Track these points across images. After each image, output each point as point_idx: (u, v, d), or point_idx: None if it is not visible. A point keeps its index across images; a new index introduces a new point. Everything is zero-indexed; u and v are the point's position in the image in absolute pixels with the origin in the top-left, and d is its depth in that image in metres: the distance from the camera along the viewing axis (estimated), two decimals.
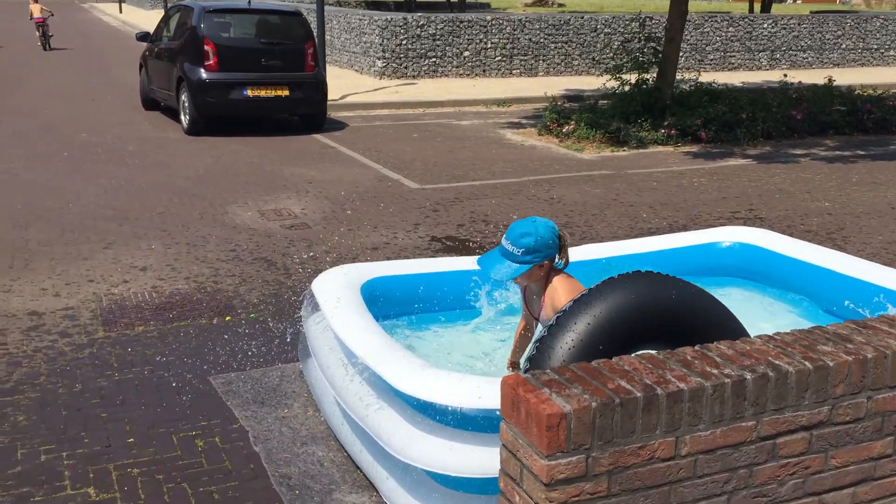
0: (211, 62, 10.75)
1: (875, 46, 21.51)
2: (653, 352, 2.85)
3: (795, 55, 20.63)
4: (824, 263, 4.21)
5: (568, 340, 2.61)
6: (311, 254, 6.26)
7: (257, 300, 5.32)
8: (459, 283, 4.21)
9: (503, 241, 3.24)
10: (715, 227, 7.02)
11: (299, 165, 9.34)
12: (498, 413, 2.97)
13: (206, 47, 10.72)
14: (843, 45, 21.10)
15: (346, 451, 3.55)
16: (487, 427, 2.97)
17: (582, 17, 18.07)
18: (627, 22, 18.31)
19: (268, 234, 6.74)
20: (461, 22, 16.96)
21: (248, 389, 4.10)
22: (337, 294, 3.88)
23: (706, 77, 13.13)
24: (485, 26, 17.08)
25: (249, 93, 10.87)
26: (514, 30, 17.31)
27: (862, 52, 21.41)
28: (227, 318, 5.02)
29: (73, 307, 5.15)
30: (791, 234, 6.40)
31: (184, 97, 10.95)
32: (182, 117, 11.13)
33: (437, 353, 3.92)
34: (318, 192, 8.12)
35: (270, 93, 10.98)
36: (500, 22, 17.26)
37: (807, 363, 2.39)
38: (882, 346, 2.50)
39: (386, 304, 4.15)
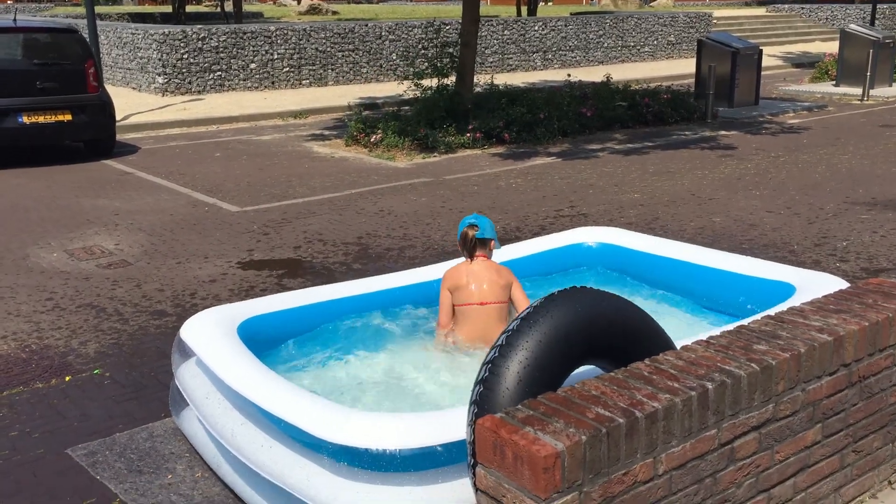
0: None
1: (632, 44, 23.28)
2: (600, 371, 2.85)
3: (565, 55, 21.87)
4: (685, 257, 4.43)
5: (521, 359, 2.53)
6: (143, 293, 5.73)
7: (95, 353, 4.78)
8: (344, 311, 4.01)
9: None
10: (546, 226, 7.25)
11: (99, 196, 8.56)
12: (438, 448, 2.86)
13: None
14: (606, 44, 22.65)
15: None
16: (424, 466, 2.83)
17: (366, 25, 18.07)
18: (410, 28, 18.56)
19: (85, 277, 6.10)
20: (244, 33, 16.38)
21: (117, 458, 3.65)
22: (213, 340, 3.56)
23: (486, 79, 13.56)
24: (269, 37, 16.61)
25: (26, 119, 9.83)
26: (300, 40, 16.98)
27: (621, 49, 23.10)
28: (67, 377, 4.46)
29: None
30: (615, 227, 6.72)
31: None
32: None
33: (336, 390, 3.69)
34: (130, 225, 7.48)
35: (50, 118, 9.98)
36: (285, 32, 16.86)
37: (753, 365, 2.46)
38: (808, 339, 2.63)
39: (266, 343, 3.86)
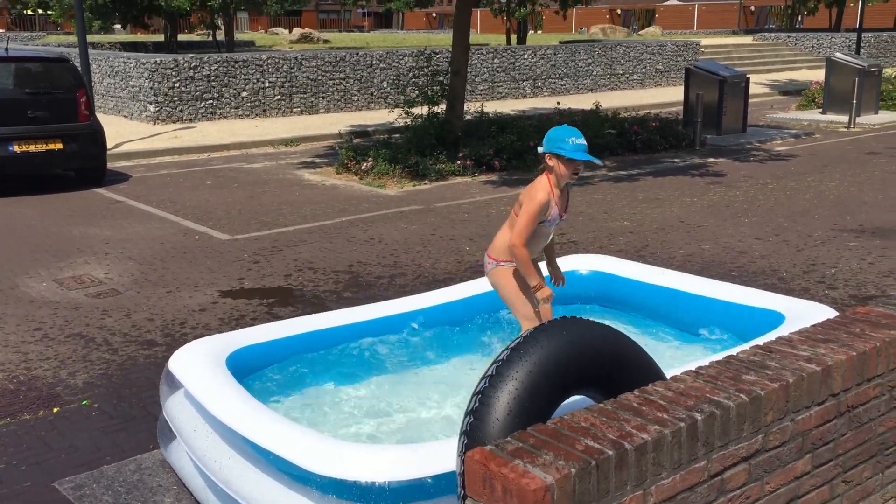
0: None
1: (621, 72, 23.52)
2: (590, 400, 2.85)
3: (554, 83, 22.06)
4: (675, 285, 4.45)
5: (511, 389, 2.53)
6: (132, 323, 5.71)
7: (84, 384, 4.75)
8: (335, 340, 4.00)
9: (580, 141, 3.84)
10: None
11: (89, 225, 8.55)
12: (428, 481, 2.85)
13: None
14: (595, 72, 22.87)
15: None
16: (414, 498, 2.82)
17: (357, 54, 18.20)
18: (401, 57, 18.70)
19: (74, 306, 6.08)
20: (236, 62, 16.47)
21: (105, 491, 3.62)
22: (201, 372, 3.54)
23: (476, 106, 13.71)
24: (261, 65, 16.71)
25: (16, 148, 9.84)
26: (291, 68, 17.09)
27: (610, 77, 23.32)
28: (55, 409, 4.43)
29: None
30: (606, 254, 6.73)
31: None
32: None
33: (325, 421, 3.68)
34: (120, 253, 7.46)
35: (41, 147, 10.00)
36: (277, 61, 16.96)
37: (742, 395, 2.46)
38: (796, 368, 2.64)
39: (255, 374, 3.85)
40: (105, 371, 4.92)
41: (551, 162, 3.90)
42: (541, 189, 3.92)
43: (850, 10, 37.33)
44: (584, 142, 3.86)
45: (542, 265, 4.30)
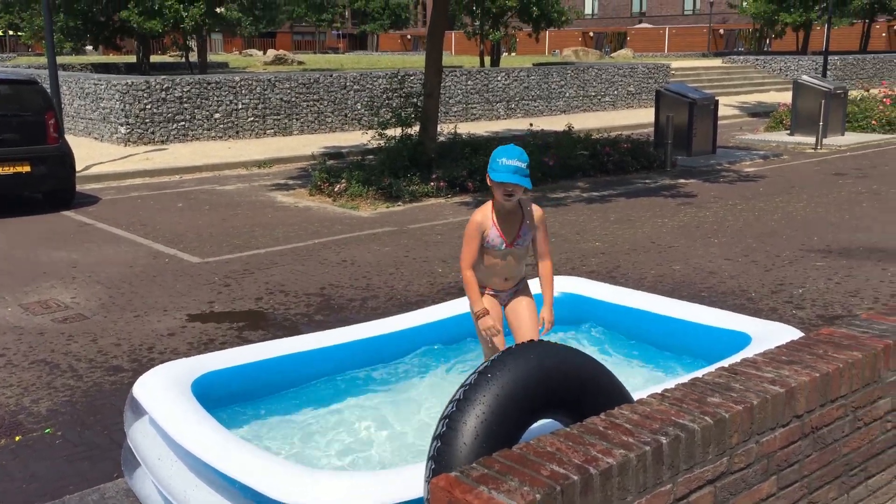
0: None
1: (593, 94, 23.74)
2: (558, 423, 2.85)
3: (528, 104, 22.21)
4: (645, 307, 4.47)
5: (479, 413, 2.52)
6: (98, 348, 5.63)
7: (47, 412, 4.67)
8: (304, 365, 3.97)
9: (511, 161, 3.52)
10: None
11: (57, 248, 8.45)
12: None
13: None
14: (567, 94, 23.07)
15: None
16: None
17: (331, 75, 18.23)
18: (374, 78, 18.75)
19: (39, 332, 5.98)
20: (209, 83, 16.43)
21: None
22: (166, 398, 3.49)
23: (450, 128, 13.79)
24: (234, 87, 16.67)
25: None
26: (265, 90, 17.07)
27: (583, 99, 23.53)
28: (17, 437, 4.34)
29: None
30: (577, 276, 6.75)
31: None
32: None
33: (294, 448, 3.63)
34: (88, 277, 7.37)
35: (9, 170, 9.88)
36: (250, 82, 16.94)
37: (707, 418, 2.47)
38: (761, 390, 2.65)
39: (222, 400, 3.80)
40: (69, 398, 4.83)
41: (489, 182, 3.62)
42: (478, 210, 3.70)
43: (817, 34, 38.04)
44: (518, 163, 3.51)
45: (537, 292, 3.97)
